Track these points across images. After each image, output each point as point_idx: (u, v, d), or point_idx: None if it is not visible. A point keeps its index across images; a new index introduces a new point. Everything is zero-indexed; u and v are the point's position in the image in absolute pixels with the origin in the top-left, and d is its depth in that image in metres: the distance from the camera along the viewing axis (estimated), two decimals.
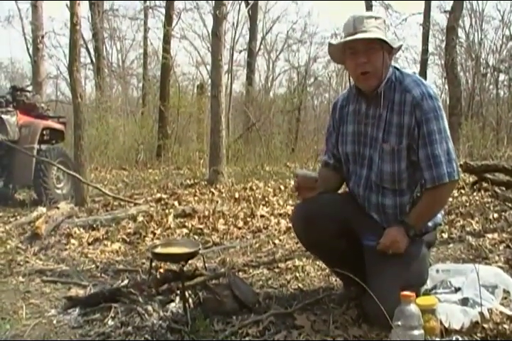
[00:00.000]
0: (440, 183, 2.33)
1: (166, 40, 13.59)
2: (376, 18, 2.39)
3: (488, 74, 14.48)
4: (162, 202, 5.57)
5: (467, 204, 4.88)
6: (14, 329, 2.48)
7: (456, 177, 2.38)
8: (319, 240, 2.54)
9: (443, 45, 12.67)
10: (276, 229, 4.48)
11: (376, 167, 2.46)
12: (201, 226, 4.59)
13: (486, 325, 2.13)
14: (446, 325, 2.14)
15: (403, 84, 2.40)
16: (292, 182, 6.52)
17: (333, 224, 2.49)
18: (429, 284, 2.51)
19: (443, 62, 12.59)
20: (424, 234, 2.50)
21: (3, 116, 6.17)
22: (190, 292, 2.68)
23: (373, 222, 2.52)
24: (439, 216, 2.59)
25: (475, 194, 5.25)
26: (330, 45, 2.45)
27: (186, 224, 4.68)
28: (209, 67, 10.14)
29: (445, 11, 12.87)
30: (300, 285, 3.02)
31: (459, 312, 2.21)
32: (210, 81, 7.69)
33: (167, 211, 5.01)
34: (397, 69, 2.49)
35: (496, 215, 4.38)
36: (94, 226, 4.62)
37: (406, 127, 2.36)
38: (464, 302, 2.29)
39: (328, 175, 2.71)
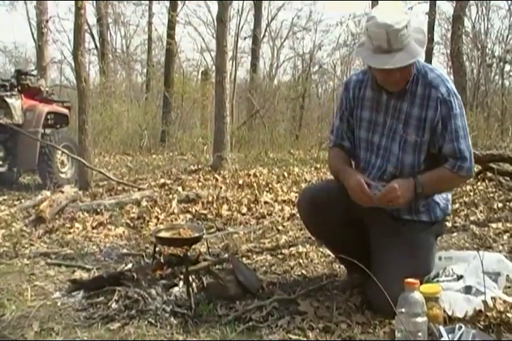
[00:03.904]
0: (460, 174, 2.40)
1: (171, 25, 13.53)
2: (406, 25, 2.21)
3: (494, 65, 14.38)
4: (166, 187, 5.59)
5: (471, 193, 4.89)
6: (20, 310, 2.50)
7: (472, 174, 2.52)
8: (325, 225, 2.54)
9: (449, 35, 12.59)
10: (280, 216, 4.48)
11: (395, 159, 2.44)
12: (205, 212, 4.59)
13: (489, 314, 2.14)
14: (450, 313, 2.14)
15: (427, 78, 2.37)
16: (296, 170, 6.62)
17: (340, 210, 2.47)
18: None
19: (448, 51, 12.52)
20: (434, 223, 2.50)
21: (7, 99, 6.16)
22: (193, 276, 2.69)
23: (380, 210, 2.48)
24: (449, 206, 2.60)
25: (479, 183, 5.25)
26: (359, 53, 2.37)
27: (190, 209, 4.68)
28: (213, 54, 10.09)
29: (451, 0, 12.78)
30: (303, 271, 3.03)
31: (463, 300, 2.21)
32: (214, 67, 7.66)
33: (171, 196, 5.01)
34: (418, 60, 2.43)
35: (500, 205, 4.39)
36: (98, 210, 4.63)
37: (429, 121, 2.37)
38: (467, 290, 2.29)
39: (346, 157, 2.62)
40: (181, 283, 2.63)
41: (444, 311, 2.13)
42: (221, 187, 5.49)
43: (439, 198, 2.52)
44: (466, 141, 2.39)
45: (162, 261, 2.81)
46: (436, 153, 2.41)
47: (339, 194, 2.47)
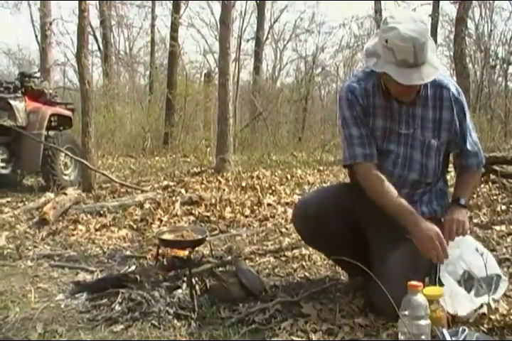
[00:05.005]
0: (481, 167, 2.56)
1: (174, 27, 13.55)
2: (428, 36, 2.20)
3: (498, 66, 14.37)
4: (169, 189, 5.58)
5: (475, 195, 4.86)
6: (23, 312, 2.50)
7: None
8: (321, 231, 2.52)
9: (452, 36, 12.58)
10: (282, 218, 4.48)
11: (419, 165, 2.44)
12: (208, 214, 4.59)
13: (493, 317, 2.13)
14: (452, 312, 2.13)
15: (435, 80, 2.35)
16: (299, 172, 6.61)
17: (336, 218, 2.46)
18: None
19: (452, 53, 12.52)
20: None
21: (11, 101, 6.17)
22: (196, 279, 2.69)
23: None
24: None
25: (483, 186, 5.22)
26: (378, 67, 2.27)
27: (193, 211, 4.68)
28: (216, 56, 10.12)
29: (455, 2, 12.77)
30: (306, 273, 3.03)
31: (465, 299, 2.20)
32: (217, 69, 7.67)
33: (174, 198, 5.00)
34: None
35: (503, 207, 4.38)
36: (102, 212, 4.63)
37: (446, 122, 2.40)
38: (468, 278, 2.28)
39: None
40: (184, 285, 2.63)
41: (448, 313, 2.12)
42: (224, 190, 5.50)
43: (438, 198, 2.54)
44: (474, 132, 2.50)
45: (165, 263, 2.81)
46: (457, 152, 2.51)
47: (334, 202, 2.48)
